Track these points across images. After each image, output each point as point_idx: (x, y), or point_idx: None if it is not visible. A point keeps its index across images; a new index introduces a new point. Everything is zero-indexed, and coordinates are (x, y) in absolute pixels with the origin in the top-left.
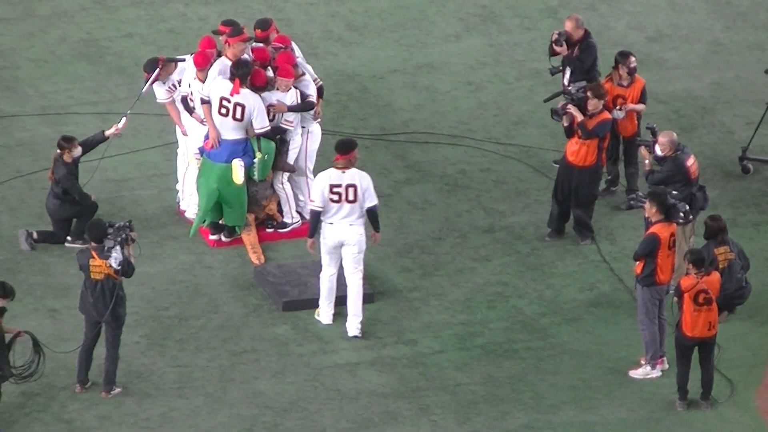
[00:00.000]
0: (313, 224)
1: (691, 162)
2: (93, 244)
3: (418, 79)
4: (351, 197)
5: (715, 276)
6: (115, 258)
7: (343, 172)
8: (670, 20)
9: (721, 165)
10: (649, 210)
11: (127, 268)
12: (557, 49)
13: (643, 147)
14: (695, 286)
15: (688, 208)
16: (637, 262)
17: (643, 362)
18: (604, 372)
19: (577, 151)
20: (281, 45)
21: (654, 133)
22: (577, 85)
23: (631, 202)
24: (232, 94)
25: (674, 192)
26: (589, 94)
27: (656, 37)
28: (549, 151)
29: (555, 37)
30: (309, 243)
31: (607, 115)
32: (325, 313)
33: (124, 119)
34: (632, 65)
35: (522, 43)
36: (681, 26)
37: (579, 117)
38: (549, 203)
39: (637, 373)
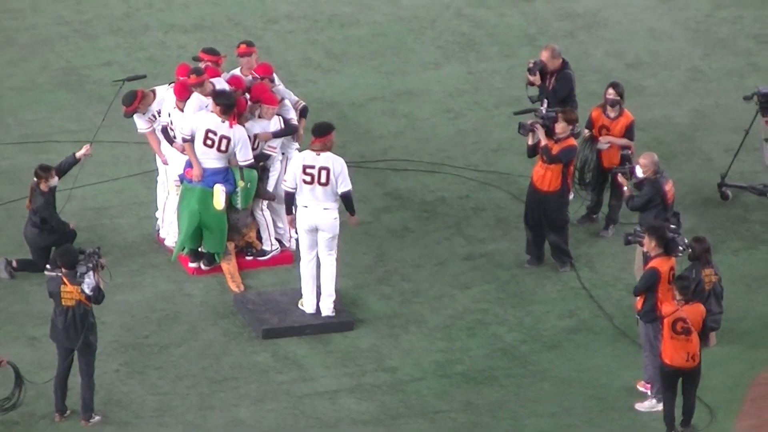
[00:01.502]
0: (288, 204)
1: (668, 186)
2: (64, 270)
3: (397, 107)
4: (323, 180)
5: (699, 307)
6: (88, 284)
7: (318, 155)
8: (650, 47)
9: (701, 192)
10: (648, 244)
11: (98, 295)
12: (530, 78)
13: (619, 174)
14: (674, 313)
15: (687, 241)
16: (638, 298)
17: (641, 388)
18: (584, 399)
19: (542, 175)
20: (259, 76)
21: (630, 161)
22: (555, 108)
23: (629, 237)
24: (231, 126)
25: (672, 226)
26: (559, 116)
27: (635, 65)
28: (528, 178)
29: (530, 65)
30: (288, 219)
31: (572, 141)
32: (308, 302)
33: (87, 145)
34: (608, 96)
35: (501, 70)
36: (660, 53)
37: (543, 140)
38: None
39: (643, 407)
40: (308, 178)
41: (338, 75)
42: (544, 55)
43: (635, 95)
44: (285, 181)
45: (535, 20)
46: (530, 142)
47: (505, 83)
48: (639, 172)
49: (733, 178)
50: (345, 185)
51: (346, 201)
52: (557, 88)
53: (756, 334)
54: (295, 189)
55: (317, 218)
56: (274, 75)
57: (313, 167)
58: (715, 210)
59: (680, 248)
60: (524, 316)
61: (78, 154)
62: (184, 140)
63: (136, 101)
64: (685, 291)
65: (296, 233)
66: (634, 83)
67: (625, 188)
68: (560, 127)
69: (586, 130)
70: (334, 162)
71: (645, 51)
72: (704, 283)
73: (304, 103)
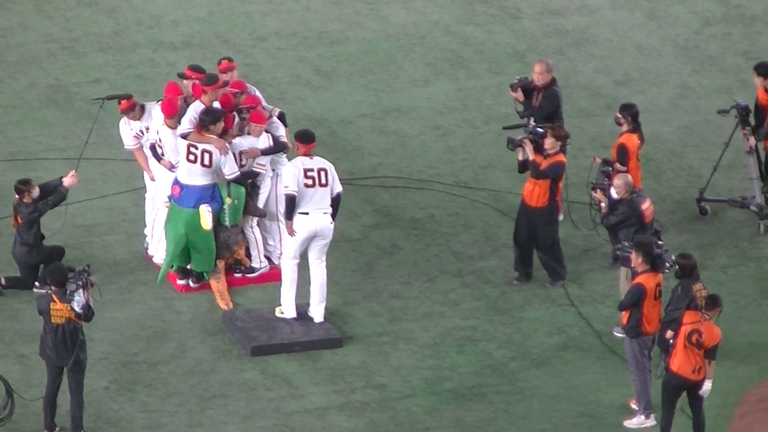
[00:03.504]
0: (289, 208)
1: (646, 205)
2: (53, 287)
3: (386, 124)
4: (324, 181)
5: (717, 330)
6: (78, 301)
7: (312, 158)
8: (638, 64)
9: (690, 208)
10: (635, 260)
11: (87, 312)
12: (513, 94)
13: (598, 190)
14: (694, 323)
15: (674, 258)
16: (623, 313)
17: (634, 406)
18: (573, 416)
19: (531, 191)
20: (238, 90)
21: (609, 177)
22: (545, 124)
23: (617, 252)
24: (199, 132)
25: (660, 242)
26: (548, 132)
27: (624, 81)
28: (517, 195)
29: (515, 81)
30: (287, 225)
31: (561, 157)
32: (289, 306)
33: (73, 171)
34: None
35: (490, 87)
36: (649, 70)
37: (531, 156)
38: None
39: (631, 423)
40: (310, 182)
41: (327, 92)
42: (538, 68)
43: None
44: (287, 186)
45: (524, 37)
46: (520, 158)
47: (494, 100)
48: (613, 193)
49: (722, 194)
50: (338, 186)
51: (337, 203)
52: (543, 104)
53: (744, 351)
54: (297, 192)
55: (318, 223)
56: (255, 89)
57: (312, 170)
58: (703, 226)
59: (667, 264)
60: (513, 333)
61: (66, 184)
62: (184, 135)
63: (134, 99)
64: (712, 306)
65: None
66: (623, 100)
67: (602, 204)
68: (549, 143)
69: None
70: (328, 163)
71: (634, 68)
72: (696, 299)
73: (279, 110)
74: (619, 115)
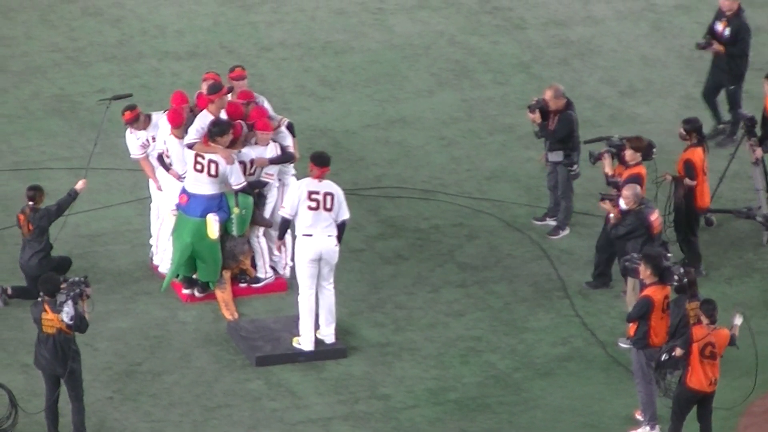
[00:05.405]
0: (282, 229)
1: (654, 217)
2: (46, 297)
3: (390, 134)
4: (329, 205)
5: (725, 332)
6: (67, 313)
7: (320, 182)
8: (643, 75)
9: None
10: (644, 272)
11: (80, 324)
12: (529, 115)
13: (606, 201)
14: (705, 338)
15: (683, 270)
16: (630, 324)
17: (639, 417)
18: (577, 427)
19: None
20: (245, 100)
21: (617, 187)
22: (619, 135)
23: (626, 263)
24: (206, 143)
25: (669, 254)
26: (627, 144)
27: (629, 92)
28: (522, 206)
29: (532, 102)
30: (277, 244)
31: (640, 169)
32: (307, 338)
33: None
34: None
35: (494, 98)
36: (654, 81)
37: (609, 170)
38: (521, 258)
39: None
40: (314, 204)
41: (332, 102)
42: (547, 95)
43: (628, 123)
44: (283, 207)
45: (528, 48)
46: (605, 171)
47: (499, 110)
48: (622, 204)
49: (727, 204)
50: (346, 213)
51: (341, 230)
52: (558, 128)
53: (749, 362)
54: (293, 216)
55: (322, 246)
56: (264, 100)
57: (317, 192)
58: (708, 238)
59: (675, 277)
60: (517, 343)
61: (78, 187)
62: (190, 145)
63: (137, 110)
64: (711, 314)
65: (291, 260)
66: (627, 111)
67: (611, 215)
68: (629, 155)
69: (668, 175)
70: (336, 189)
71: (638, 78)
72: (688, 317)
73: (288, 120)
74: (683, 131)
